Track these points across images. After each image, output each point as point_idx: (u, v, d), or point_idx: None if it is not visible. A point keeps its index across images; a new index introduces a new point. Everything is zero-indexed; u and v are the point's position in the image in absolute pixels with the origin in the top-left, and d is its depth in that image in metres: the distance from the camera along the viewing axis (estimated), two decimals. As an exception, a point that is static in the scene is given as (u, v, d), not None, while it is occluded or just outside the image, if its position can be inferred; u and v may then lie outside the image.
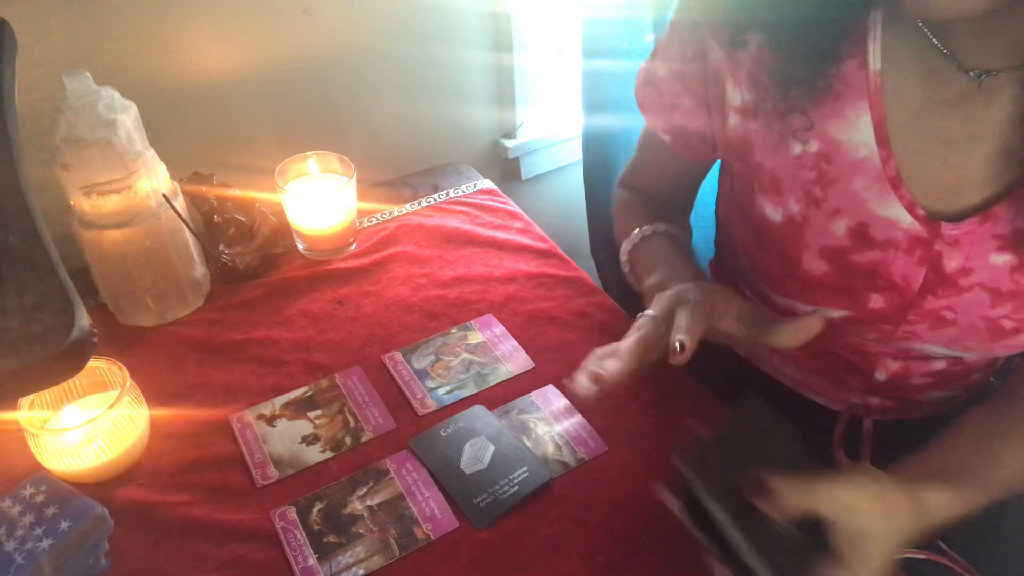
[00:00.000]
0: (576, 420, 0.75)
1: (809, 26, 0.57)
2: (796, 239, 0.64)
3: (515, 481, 0.68)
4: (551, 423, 0.74)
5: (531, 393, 0.77)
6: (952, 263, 0.59)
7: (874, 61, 0.57)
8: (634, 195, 0.83)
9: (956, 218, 0.58)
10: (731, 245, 0.74)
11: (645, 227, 0.74)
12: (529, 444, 0.72)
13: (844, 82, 0.58)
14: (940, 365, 0.71)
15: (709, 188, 0.83)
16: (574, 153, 1.41)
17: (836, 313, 0.65)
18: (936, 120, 0.57)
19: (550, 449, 0.72)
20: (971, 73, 0.54)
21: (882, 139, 0.58)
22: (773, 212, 0.65)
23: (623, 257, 0.76)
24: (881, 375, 0.72)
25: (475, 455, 0.70)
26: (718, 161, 0.76)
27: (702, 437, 0.53)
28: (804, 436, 0.54)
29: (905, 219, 0.59)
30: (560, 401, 0.77)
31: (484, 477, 0.68)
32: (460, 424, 0.73)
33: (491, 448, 0.71)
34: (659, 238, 0.73)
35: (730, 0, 0.62)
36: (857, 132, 0.59)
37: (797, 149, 0.61)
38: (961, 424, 0.61)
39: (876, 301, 0.63)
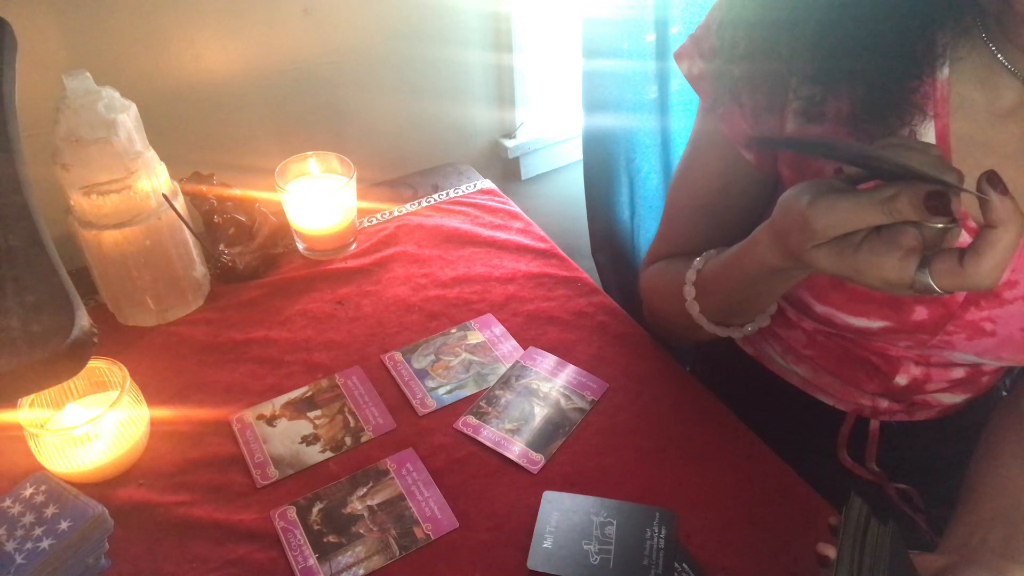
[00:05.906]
0: (570, 369, 0.80)
1: (895, 79, 0.55)
2: None
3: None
4: (550, 379, 0.78)
5: (517, 359, 0.81)
6: None
7: (942, 71, 0.56)
8: (668, 260, 0.77)
9: None
10: None
11: (696, 261, 0.68)
12: (542, 404, 0.76)
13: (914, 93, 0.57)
14: (960, 373, 0.71)
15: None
16: (574, 153, 1.41)
17: (877, 324, 0.65)
18: (994, 132, 0.57)
19: (563, 402, 0.76)
20: None
21: (943, 150, 0.57)
22: None
23: (688, 295, 0.69)
24: (901, 379, 0.71)
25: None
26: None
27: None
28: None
29: None
30: (545, 358, 0.81)
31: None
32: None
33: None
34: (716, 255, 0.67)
35: (804, 55, 0.58)
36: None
37: None
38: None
39: (919, 313, 0.63)
